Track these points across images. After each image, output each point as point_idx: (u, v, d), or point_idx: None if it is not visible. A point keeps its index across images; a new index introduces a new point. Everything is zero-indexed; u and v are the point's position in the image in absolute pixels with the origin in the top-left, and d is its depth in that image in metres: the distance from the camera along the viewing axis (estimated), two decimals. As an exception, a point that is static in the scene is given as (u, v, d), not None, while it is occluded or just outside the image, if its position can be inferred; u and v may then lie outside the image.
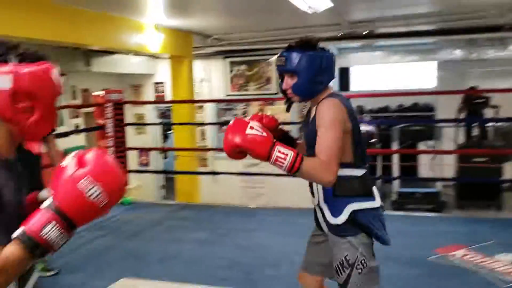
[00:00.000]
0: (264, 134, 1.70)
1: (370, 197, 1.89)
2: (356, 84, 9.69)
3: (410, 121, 8.31)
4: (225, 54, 7.93)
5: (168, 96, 8.19)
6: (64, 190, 1.05)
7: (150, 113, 8.66)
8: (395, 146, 7.27)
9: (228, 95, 8.17)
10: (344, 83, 9.44)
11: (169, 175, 9.32)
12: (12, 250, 1.04)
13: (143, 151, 8.45)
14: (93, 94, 7.75)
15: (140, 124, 8.36)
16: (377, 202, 1.90)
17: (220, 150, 7.65)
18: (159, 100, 8.53)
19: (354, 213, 1.84)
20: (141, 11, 5.25)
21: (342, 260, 1.87)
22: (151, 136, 8.71)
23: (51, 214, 1.03)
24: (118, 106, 5.65)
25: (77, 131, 7.01)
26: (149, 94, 8.69)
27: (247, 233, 4.66)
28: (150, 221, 5.22)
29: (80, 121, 7.80)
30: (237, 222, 5.09)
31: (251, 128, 1.69)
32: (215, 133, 8.36)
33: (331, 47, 7.21)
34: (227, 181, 7.82)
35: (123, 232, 4.81)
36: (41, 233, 1.02)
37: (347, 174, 1.84)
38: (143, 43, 5.86)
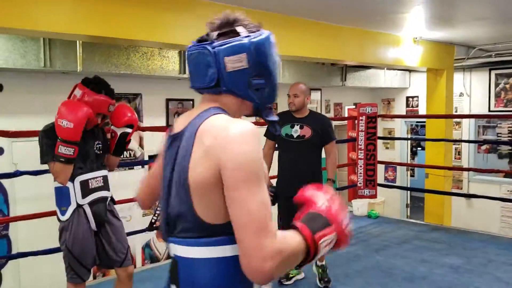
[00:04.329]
0: None
1: None
2: None
3: None
4: (490, 65, 7.16)
5: (422, 110, 7.90)
6: None
7: (399, 128, 8.51)
8: None
9: (491, 111, 7.34)
10: None
11: (416, 195, 8.96)
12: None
13: (390, 166, 8.35)
14: (347, 107, 8.15)
15: (391, 138, 8.30)
16: None
17: (478, 170, 6.98)
18: (411, 114, 8.30)
19: None
20: (400, 26, 5.21)
21: None
22: (399, 152, 8.53)
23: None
24: (371, 120, 5.74)
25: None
26: (400, 108, 8.55)
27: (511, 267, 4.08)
28: (397, 238, 5.11)
29: (332, 133, 8.24)
30: (497, 253, 4.51)
31: None
32: (473, 152, 7.63)
33: None
34: (484, 207, 7.03)
35: (370, 245, 4.85)
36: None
37: None
38: (400, 57, 5.81)
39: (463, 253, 4.50)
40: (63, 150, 2.48)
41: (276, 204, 3.62)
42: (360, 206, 6.32)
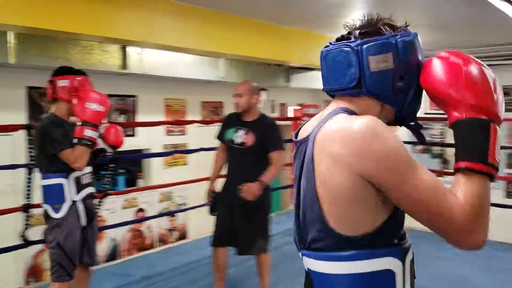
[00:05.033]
0: None
1: None
2: None
3: None
4: (425, 70, 7.53)
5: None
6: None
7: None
8: None
9: (426, 113, 7.73)
10: None
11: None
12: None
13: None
14: (291, 108, 8.28)
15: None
16: None
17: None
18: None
19: None
20: (342, 30, 5.35)
21: None
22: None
23: None
24: (314, 120, 5.86)
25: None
26: (342, 110, 8.78)
27: (442, 262, 4.31)
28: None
29: (276, 133, 8.34)
30: (427, 248, 4.75)
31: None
32: (410, 152, 8.00)
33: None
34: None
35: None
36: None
37: None
38: (342, 59, 5.97)
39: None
40: (90, 133, 2.50)
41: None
42: (302, 204, 6.41)
